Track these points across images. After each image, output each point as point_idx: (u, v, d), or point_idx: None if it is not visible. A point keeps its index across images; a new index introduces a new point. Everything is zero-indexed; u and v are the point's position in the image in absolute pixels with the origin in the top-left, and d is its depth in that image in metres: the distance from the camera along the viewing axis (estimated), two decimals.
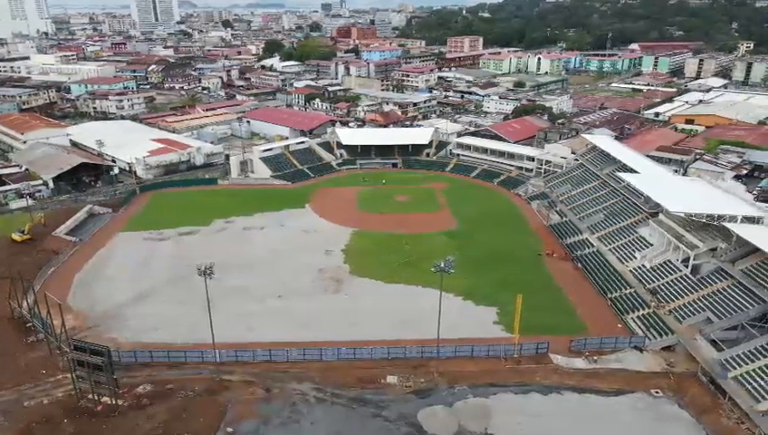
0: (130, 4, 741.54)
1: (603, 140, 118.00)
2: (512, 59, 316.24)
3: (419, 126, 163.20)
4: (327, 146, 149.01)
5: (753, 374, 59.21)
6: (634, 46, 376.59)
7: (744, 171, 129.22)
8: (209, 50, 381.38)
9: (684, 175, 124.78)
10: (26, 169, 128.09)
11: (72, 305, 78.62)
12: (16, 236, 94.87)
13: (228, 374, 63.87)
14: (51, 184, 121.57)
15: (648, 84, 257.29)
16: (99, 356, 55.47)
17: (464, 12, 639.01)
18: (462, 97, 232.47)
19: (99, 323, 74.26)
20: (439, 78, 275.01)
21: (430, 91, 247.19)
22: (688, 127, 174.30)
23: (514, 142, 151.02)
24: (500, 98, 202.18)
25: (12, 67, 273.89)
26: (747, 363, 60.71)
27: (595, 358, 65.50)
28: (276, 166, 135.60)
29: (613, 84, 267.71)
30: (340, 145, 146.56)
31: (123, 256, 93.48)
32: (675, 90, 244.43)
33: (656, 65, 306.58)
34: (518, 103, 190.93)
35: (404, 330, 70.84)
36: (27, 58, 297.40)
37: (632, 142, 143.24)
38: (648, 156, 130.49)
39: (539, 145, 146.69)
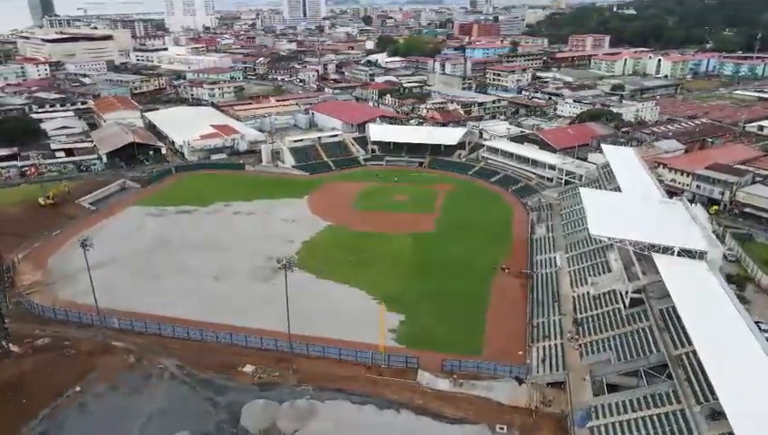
0: (283, 1, 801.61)
1: (618, 152, 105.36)
2: (627, 60, 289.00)
3: (462, 126, 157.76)
4: (363, 141, 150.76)
5: (610, 428, 51.27)
6: None
7: None
8: (329, 44, 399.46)
9: (731, 199, 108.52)
10: (94, 145, 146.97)
11: (50, 264, 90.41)
12: (41, 201, 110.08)
13: (119, 341, 69.46)
14: (104, 159, 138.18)
15: None
16: None
17: (614, 8, 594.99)
18: (549, 99, 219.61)
19: (55, 281, 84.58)
20: (536, 78, 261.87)
21: (519, 92, 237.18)
22: None
23: (560, 149, 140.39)
24: (574, 101, 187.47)
25: (147, 57, 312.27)
26: (613, 415, 52.60)
27: (461, 381, 60.66)
28: (302, 156, 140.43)
29: (737, 91, 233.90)
30: (373, 141, 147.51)
31: (118, 226, 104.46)
32: None
33: None
34: (591, 107, 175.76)
35: (297, 323, 70.90)
36: (165, 49, 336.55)
37: (687, 158, 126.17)
38: (693, 174, 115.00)
39: (585, 154, 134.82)
